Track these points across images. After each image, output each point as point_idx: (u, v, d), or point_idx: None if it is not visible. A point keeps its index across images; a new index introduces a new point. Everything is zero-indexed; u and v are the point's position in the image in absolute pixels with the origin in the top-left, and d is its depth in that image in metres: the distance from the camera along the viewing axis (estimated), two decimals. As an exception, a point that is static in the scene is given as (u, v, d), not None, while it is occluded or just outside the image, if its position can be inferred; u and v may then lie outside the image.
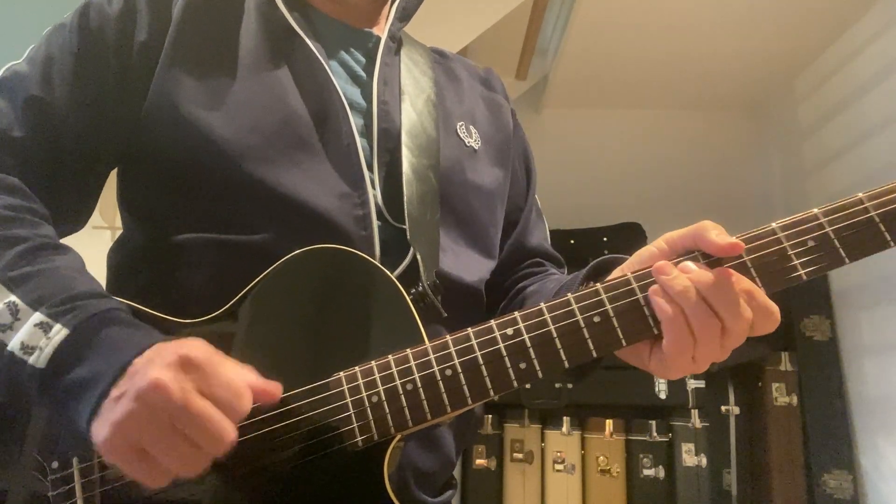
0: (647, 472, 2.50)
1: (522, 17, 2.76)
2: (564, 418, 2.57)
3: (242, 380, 0.57)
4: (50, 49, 0.76)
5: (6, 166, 0.70)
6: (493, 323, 0.64)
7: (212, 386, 0.55)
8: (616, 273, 0.67)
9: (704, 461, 2.48)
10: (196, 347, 0.57)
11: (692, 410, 2.53)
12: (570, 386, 2.56)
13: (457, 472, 2.60)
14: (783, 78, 3.16)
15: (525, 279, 0.92)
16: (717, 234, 0.62)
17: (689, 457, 2.48)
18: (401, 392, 0.63)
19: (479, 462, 2.54)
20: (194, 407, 0.53)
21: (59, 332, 0.58)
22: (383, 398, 0.63)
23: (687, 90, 3.31)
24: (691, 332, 0.60)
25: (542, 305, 0.64)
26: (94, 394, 0.56)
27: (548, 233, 1.02)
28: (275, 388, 0.60)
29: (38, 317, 0.59)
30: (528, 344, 0.63)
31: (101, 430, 0.55)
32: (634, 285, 0.63)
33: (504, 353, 0.63)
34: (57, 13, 0.80)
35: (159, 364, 0.55)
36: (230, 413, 0.55)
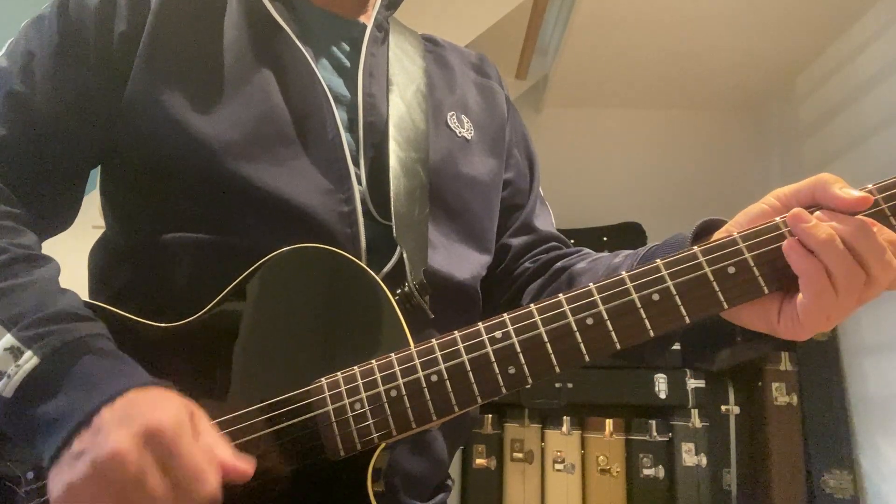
0: (647, 471, 2.50)
1: (522, 17, 2.75)
2: (564, 418, 2.56)
3: (210, 458, 0.54)
4: (29, 43, 0.73)
5: None
6: (480, 326, 0.61)
7: (173, 464, 0.51)
8: (718, 234, 0.63)
9: (704, 461, 2.47)
10: (169, 414, 0.53)
11: (692, 410, 2.53)
12: (570, 385, 2.55)
13: (457, 472, 2.60)
14: (783, 78, 3.14)
15: (560, 259, 0.88)
16: (840, 188, 0.57)
17: (689, 456, 2.48)
18: (384, 399, 0.60)
19: (479, 462, 2.54)
20: (148, 487, 0.50)
21: (29, 361, 0.55)
22: (366, 406, 0.60)
23: (687, 90, 3.30)
24: (833, 285, 0.55)
25: (532, 308, 0.61)
26: (57, 438, 0.53)
27: (553, 220, 0.99)
28: (247, 466, 0.56)
29: (9, 339, 0.56)
30: (518, 349, 0.60)
31: (55, 483, 0.52)
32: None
33: (492, 357, 0.60)
34: (34, 4, 0.77)
35: (125, 429, 0.51)
36: (185, 498, 0.52)
